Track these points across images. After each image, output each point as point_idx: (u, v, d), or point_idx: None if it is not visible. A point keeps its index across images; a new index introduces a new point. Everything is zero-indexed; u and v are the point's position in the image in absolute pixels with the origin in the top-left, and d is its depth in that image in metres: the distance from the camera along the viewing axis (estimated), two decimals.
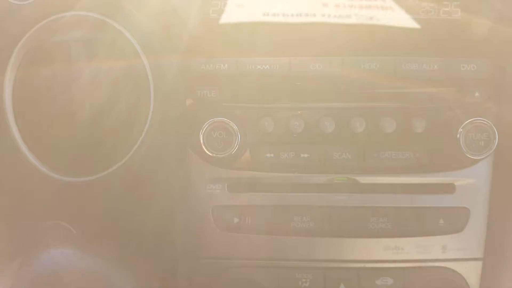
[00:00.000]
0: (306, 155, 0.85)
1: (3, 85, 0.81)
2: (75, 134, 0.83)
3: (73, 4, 0.81)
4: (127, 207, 0.84)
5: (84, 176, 0.82)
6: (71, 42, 0.83)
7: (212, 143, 0.79)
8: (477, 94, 0.83)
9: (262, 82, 0.84)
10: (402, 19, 0.85)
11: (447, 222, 0.85)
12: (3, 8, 0.82)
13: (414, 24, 0.84)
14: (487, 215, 0.86)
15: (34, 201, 0.84)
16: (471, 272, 0.86)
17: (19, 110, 0.83)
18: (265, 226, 0.85)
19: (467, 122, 0.77)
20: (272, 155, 0.86)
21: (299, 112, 0.85)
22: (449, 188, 0.85)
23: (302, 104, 0.85)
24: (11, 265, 0.79)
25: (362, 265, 0.86)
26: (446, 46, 0.84)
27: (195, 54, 0.84)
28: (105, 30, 0.81)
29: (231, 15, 0.85)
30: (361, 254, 0.86)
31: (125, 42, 0.81)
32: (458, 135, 0.78)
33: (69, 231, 0.85)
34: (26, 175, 0.82)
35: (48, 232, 0.85)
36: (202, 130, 0.79)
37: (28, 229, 0.85)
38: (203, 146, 0.79)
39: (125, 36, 0.81)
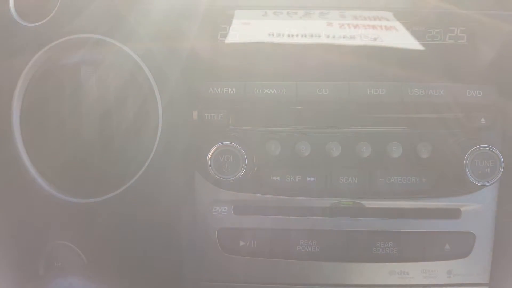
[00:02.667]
0: (312, 179, 0.85)
1: (12, 107, 0.82)
2: (84, 156, 0.84)
3: (84, 27, 0.82)
4: (133, 228, 0.84)
5: (91, 198, 0.83)
6: (81, 64, 0.83)
7: (219, 167, 0.79)
8: (482, 120, 0.84)
9: (269, 106, 0.85)
10: (408, 44, 0.85)
11: (453, 247, 0.85)
12: (12, 29, 0.83)
13: (420, 49, 0.85)
14: (493, 240, 0.86)
15: (41, 222, 0.84)
16: None
17: (28, 132, 0.83)
18: (270, 249, 0.86)
19: (472, 149, 0.77)
20: (278, 178, 0.86)
21: (305, 135, 0.85)
22: (455, 213, 0.85)
23: (308, 128, 0.85)
24: None
25: None
26: (452, 71, 0.85)
27: (203, 78, 0.85)
28: (115, 54, 0.82)
29: (239, 38, 0.86)
30: (366, 278, 0.86)
31: (134, 65, 0.82)
32: (464, 161, 0.78)
33: (74, 252, 0.85)
34: (35, 196, 0.83)
35: (54, 253, 0.85)
36: (210, 154, 0.79)
37: (36, 250, 0.85)
38: (211, 170, 0.79)
39: (135, 60, 0.81)
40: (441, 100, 0.83)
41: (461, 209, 0.85)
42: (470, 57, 0.85)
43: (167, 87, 0.82)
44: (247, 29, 0.85)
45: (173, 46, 0.83)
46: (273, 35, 0.86)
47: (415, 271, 0.85)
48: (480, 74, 0.85)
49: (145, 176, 0.82)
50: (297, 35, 0.85)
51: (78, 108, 0.83)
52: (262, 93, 0.84)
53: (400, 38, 0.85)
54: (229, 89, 0.84)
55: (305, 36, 0.85)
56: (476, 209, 0.85)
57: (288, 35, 0.85)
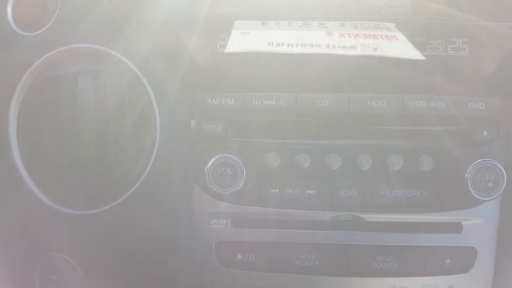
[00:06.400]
0: (311, 192, 0.84)
1: (9, 117, 0.81)
2: (81, 167, 0.82)
3: (82, 37, 0.81)
4: (129, 241, 0.83)
5: (87, 209, 0.82)
6: (78, 74, 0.82)
7: (217, 179, 0.78)
8: (485, 133, 0.82)
9: (269, 118, 0.84)
10: (409, 55, 0.84)
11: (454, 261, 0.84)
12: (10, 38, 0.82)
13: (421, 60, 0.84)
14: (495, 255, 0.84)
15: (37, 233, 0.83)
16: None
17: (25, 142, 0.82)
18: (268, 263, 0.84)
19: (475, 163, 0.76)
20: (277, 190, 0.85)
21: (305, 148, 0.84)
22: (456, 227, 0.84)
23: (308, 140, 0.84)
24: None
25: None
26: (453, 83, 0.84)
27: (201, 89, 0.84)
28: (113, 64, 0.81)
29: (238, 48, 0.85)
30: None
31: (132, 75, 0.81)
32: (466, 175, 0.77)
33: (70, 265, 0.84)
34: (31, 207, 0.82)
35: (50, 265, 0.84)
36: (208, 166, 0.78)
37: (31, 261, 0.84)
38: (209, 183, 0.78)
39: (132, 70, 0.81)
40: (442, 112, 0.82)
41: (463, 223, 0.83)
42: (472, 69, 0.83)
43: (165, 98, 0.81)
44: (246, 39, 0.85)
45: (171, 56, 0.83)
46: (272, 45, 0.85)
47: (415, 286, 0.83)
48: (483, 86, 0.84)
49: (142, 188, 0.81)
50: (296, 45, 0.84)
51: (75, 118, 0.82)
52: (261, 105, 0.83)
53: (401, 49, 0.84)
54: (228, 100, 0.83)
55: (305, 46, 0.84)
56: (478, 224, 0.83)
57: (288, 45, 0.85)
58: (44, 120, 0.83)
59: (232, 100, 0.83)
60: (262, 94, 0.83)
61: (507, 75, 0.83)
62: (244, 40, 0.85)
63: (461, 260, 0.84)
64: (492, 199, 0.78)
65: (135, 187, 0.81)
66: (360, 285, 0.84)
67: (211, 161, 0.79)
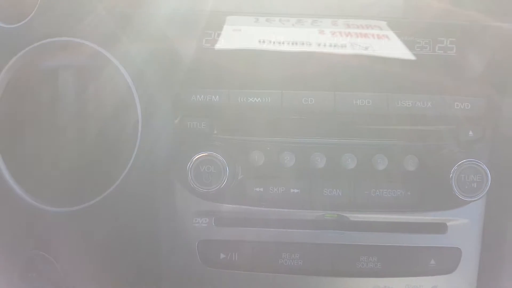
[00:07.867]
0: (296, 190, 0.83)
1: None
2: (61, 164, 0.81)
3: (63, 30, 0.79)
4: (110, 240, 0.81)
5: (67, 207, 0.80)
6: (58, 69, 0.81)
7: (200, 177, 0.77)
8: (470, 133, 0.82)
9: (253, 115, 0.83)
10: (396, 54, 0.83)
11: (439, 262, 0.83)
12: None
13: (408, 59, 0.83)
14: (479, 256, 0.84)
15: (17, 231, 0.81)
16: None
17: (4, 139, 0.80)
18: (252, 262, 0.83)
19: (459, 163, 0.76)
20: (261, 189, 0.84)
21: (289, 146, 0.83)
22: (441, 228, 0.83)
23: (293, 138, 0.83)
24: None
25: None
26: (440, 83, 0.83)
27: (186, 85, 0.82)
28: (94, 58, 0.79)
29: (224, 44, 0.83)
30: None
31: (114, 70, 0.79)
32: (450, 175, 0.76)
33: (49, 262, 0.82)
34: (11, 204, 0.80)
35: (28, 262, 0.82)
36: (190, 164, 0.77)
37: (9, 259, 0.83)
38: (191, 181, 0.77)
39: (114, 65, 0.79)
40: (428, 112, 0.81)
41: (447, 223, 0.83)
42: (459, 69, 0.83)
43: (147, 94, 0.80)
44: (233, 36, 0.83)
45: (155, 51, 0.81)
46: (261, 42, 0.83)
47: (399, 286, 0.83)
48: (469, 86, 0.83)
49: (123, 186, 0.79)
50: (286, 43, 0.83)
51: (55, 114, 0.81)
52: (246, 102, 0.81)
53: (389, 48, 0.83)
54: (213, 96, 0.82)
55: (296, 44, 0.83)
56: (463, 224, 0.83)
57: (276, 43, 0.83)
58: (23, 115, 0.81)
59: (217, 96, 0.82)
60: (248, 91, 0.82)
61: (494, 76, 0.83)
62: (230, 36, 0.83)
63: (446, 261, 0.83)
64: (476, 200, 0.78)
65: (116, 184, 0.79)
66: (344, 285, 0.83)
67: (193, 159, 0.77)
